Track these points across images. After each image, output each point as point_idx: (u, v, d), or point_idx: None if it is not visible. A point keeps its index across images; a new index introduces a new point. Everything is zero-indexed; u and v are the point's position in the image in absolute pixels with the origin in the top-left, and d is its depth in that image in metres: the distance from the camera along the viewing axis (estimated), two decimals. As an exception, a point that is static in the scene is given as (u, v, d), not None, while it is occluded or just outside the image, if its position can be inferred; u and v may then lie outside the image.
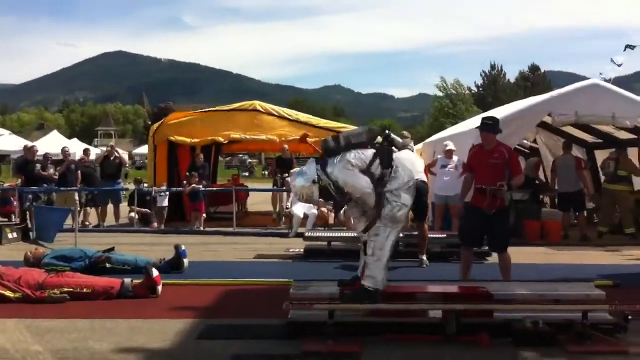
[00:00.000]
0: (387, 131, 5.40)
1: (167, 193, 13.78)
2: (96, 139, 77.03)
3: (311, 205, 12.21)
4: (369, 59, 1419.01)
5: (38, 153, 14.26)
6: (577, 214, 11.86)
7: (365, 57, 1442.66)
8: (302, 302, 4.95)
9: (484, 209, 6.42)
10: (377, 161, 4.96)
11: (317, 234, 10.05)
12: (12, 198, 14.08)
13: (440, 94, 66.18)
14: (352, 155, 4.95)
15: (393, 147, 5.27)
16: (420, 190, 6.77)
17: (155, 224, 13.46)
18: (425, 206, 8.61)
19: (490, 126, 6.63)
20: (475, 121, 10.80)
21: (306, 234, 9.94)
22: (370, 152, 5.02)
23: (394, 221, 4.94)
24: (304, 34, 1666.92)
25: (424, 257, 8.64)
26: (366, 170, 4.91)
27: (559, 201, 12.20)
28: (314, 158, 5.29)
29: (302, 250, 9.65)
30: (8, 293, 6.11)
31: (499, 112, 11.39)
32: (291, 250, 9.92)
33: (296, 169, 5.37)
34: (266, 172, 42.56)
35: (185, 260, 7.92)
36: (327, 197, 5.20)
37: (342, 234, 9.92)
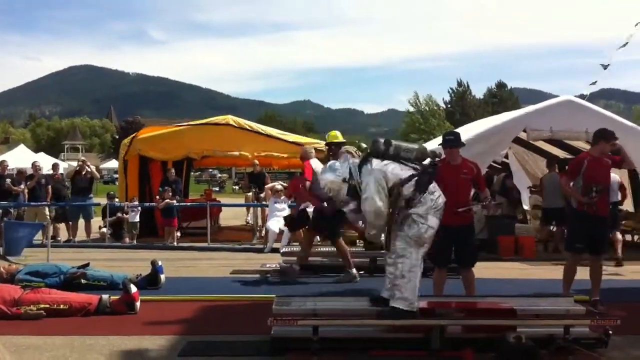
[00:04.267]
0: (437, 159, 5.32)
1: (139, 208, 13.62)
2: (63, 153, 75.82)
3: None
4: (338, 74, 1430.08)
5: (8, 168, 14.01)
6: (554, 228, 12.04)
7: (335, 73, 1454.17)
8: (286, 318, 4.92)
9: (452, 226, 6.37)
10: (413, 182, 4.91)
11: (294, 250, 10.00)
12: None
13: (412, 109, 66.80)
14: (391, 169, 4.95)
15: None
16: None
17: (127, 240, 13.28)
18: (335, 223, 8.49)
19: (453, 141, 6.60)
20: None
21: (282, 250, 9.90)
22: (408, 172, 4.98)
23: (420, 243, 4.92)
24: (274, 49, 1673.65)
25: (353, 271, 8.57)
26: (397, 187, 4.89)
27: (543, 216, 12.37)
28: (347, 153, 5.20)
29: (278, 265, 9.59)
30: (-18, 310, 5.97)
31: (475, 128, 11.55)
32: (267, 265, 9.84)
33: (329, 163, 5.27)
34: (237, 187, 42.34)
35: (162, 276, 7.82)
36: (354, 196, 5.11)
37: (318, 250, 9.89)
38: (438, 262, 6.61)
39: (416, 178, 4.95)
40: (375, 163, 4.98)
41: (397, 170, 4.96)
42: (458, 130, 11.61)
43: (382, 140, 5.14)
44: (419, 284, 4.93)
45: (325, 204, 6.10)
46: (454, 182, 6.21)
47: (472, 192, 6.76)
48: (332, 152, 8.97)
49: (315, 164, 9.07)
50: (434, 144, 14.09)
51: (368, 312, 5.13)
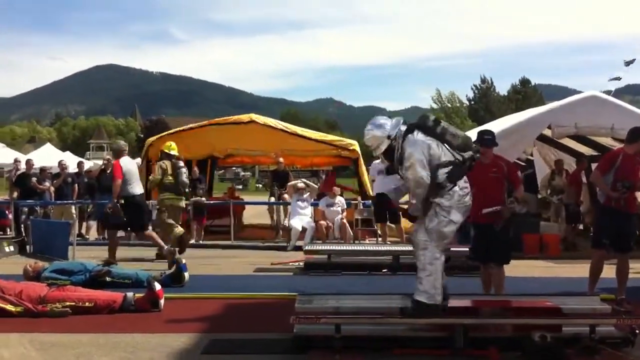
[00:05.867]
0: (478, 154, 5.28)
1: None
2: (88, 152, 76.67)
3: (310, 219, 12.22)
4: (360, 72, 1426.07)
5: (34, 166, 14.24)
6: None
7: (357, 71, 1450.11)
8: (309, 317, 4.92)
9: (482, 223, 6.40)
10: (448, 169, 4.91)
11: (317, 247, 10.02)
12: (7, 211, 14.00)
13: (435, 106, 66.50)
14: (435, 145, 4.94)
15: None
16: None
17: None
18: None
19: (491, 141, 6.62)
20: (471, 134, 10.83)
21: (306, 247, 9.91)
22: (448, 157, 4.98)
23: (441, 237, 4.92)
24: (295, 47, 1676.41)
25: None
26: (433, 168, 4.88)
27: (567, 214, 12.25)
28: (402, 118, 5.21)
29: (301, 263, 9.62)
30: (9, 307, 6.05)
31: (498, 125, 11.44)
32: (291, 263, 9.89)
33: (377, 118, 5.21)
34: (260, 185, 42.47)
35: (186, 274, 7.87)
36: (387, 157, 5.16)
37: (342, 247, 9.92)
38: (478, 259, 6.68)
39: (452, 167, 4.93)
40: (421, 135, 4.96)
41: (437, 151, 4.95)
42: (482, 127, 11.54)
43: (431, 117, 5.16)
44: (441, 278, 4.92)
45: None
46: (482, 180, 6.20)
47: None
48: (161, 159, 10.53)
49: (125, 162, 9.48)
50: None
51: (391, 310, 5.11)
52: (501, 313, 5.26)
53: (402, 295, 5.40)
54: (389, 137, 5.01)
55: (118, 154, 9.66)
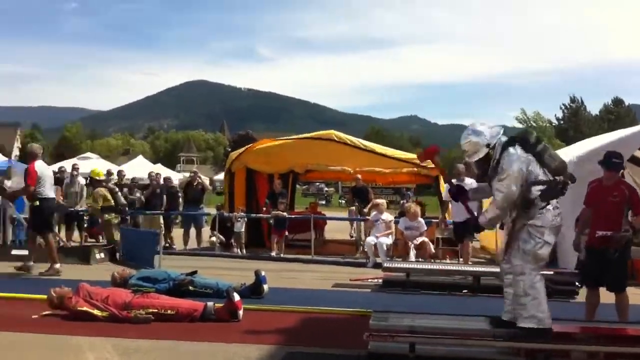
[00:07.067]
0: (571, 181, 5.16)
1: (245, 219, 13.99)
2: (179, 165, 79.45)
3: (387, 237, 12.11)
4: (444, 90, 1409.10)
5: (125, 177, 14.88)
6: None
7: (440, 88, 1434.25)
8: (382, 334, 4.90)
9: (595, 247, 6.23)
10: (542, 188, 4.88)
11: (396, 265, 9.94)
12: (99, 220, 14.66)
13: (520, 126, 64.96)
14: (532, 166, 4.92)
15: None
16: None
17: (237, 250, 13.68)
18: None
19: (618, 165, 6.46)
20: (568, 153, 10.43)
21: (384, 265, 9.84)
22: (543, 176, 4.95)
23: (537, 259, 4.88)
24: (378, 64, 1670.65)
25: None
26: (527, 185, 4.86)
27: None
28: (502, 128, 5.20)
29: (380, 280, 9.57)
30: (96, 312, 6.29)
31: (588, 145, 11.00)
32: (369, 280, 9.86)
33: (476, 125, 5.16)
34: (343, 201, 42.54)
35: (265, 286, 7.99)
36: (479, 168, 5.17)
37: (421, 266, 9.79)
38: (586, 283, 6.50)
39: (547, 186, 4.86)
40: (522, 151, 4.92)
41: (536, 169, 4.91)
42: (571, 147, 11.16)
43: (534, 134, 5.16)
44: (545, 300, 4.84)
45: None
46: (601, 203, 6.05)
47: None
48: (93, 186, 12.82)
49: (39, 166, 9.69)
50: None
51: (469, 332, 5.02)
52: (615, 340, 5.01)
53: (483, 317, 5.30)
54: (487, 145, 4.99)
55: (32, 156, 9.90)
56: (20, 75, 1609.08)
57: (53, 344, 5.43)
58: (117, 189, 13.32)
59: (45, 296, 6.62)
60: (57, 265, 9.62)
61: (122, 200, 13.14)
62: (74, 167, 15.41)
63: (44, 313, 6.45)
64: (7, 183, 10.97)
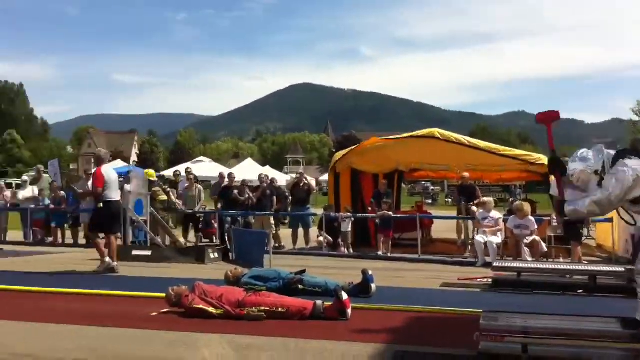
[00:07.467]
0: None
1: (352, 218, 14.11)
2: (286, 167, 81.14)
3: (496, 235, 11.85)
4: (552, 84, 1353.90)
5: (236, 179, 15.41)
6: None
7: (548, 83, 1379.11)
8: (493, 334, 4.81)
9: None
10: None
11: (507, 264, 9.70)
12: (212, 221, 15.27)
13: (636, 118, 61.40)
14: None
15: None
16: None
17: (344, 249, 13.82)
18: None
19: None
20: None
21: (494, 264, 9.64)
22: None
23: None
24: (480, 61, 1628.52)
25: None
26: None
27: None
28: (602, 145, 5.09)
29: (490, 280, 9.38)
30: (211, 309, 6.54)
31: None
32: (478, 280, 9.68)
33: (580, 151, 5.10)
34: (449, 200, 41.91)
35: (373, 285, 8.02)
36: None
37: (533, 265, 9.51)
38: None
39: None
40: (634, 162, 4.75)
41: None
42: None
43: None
44: None
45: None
46: None
47: None
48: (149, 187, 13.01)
49: (106, 170, 10.04)
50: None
51: (586, 333, 4.82)
52: None
53: (615, 319, 5.10)
54: (596, 172, 4.84)
55: (100, 161, 10.34)
56: (136, 85, 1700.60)
57: (170, 340, 5.67)
58: (169, 189, 14.55)
59: (163, 294, 6.97)
60: (114, 263, 10.15)
61: (174, 199, 14.38)
62: (188, 172, 16.12)
63: (163, 310, 6.77)
64: (127, 187, 11.64)
